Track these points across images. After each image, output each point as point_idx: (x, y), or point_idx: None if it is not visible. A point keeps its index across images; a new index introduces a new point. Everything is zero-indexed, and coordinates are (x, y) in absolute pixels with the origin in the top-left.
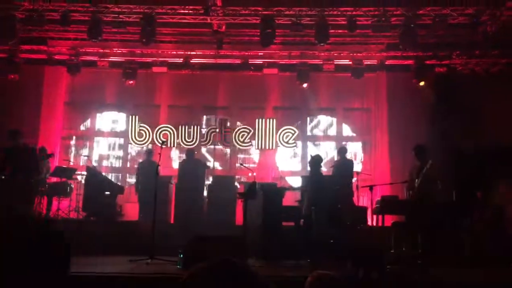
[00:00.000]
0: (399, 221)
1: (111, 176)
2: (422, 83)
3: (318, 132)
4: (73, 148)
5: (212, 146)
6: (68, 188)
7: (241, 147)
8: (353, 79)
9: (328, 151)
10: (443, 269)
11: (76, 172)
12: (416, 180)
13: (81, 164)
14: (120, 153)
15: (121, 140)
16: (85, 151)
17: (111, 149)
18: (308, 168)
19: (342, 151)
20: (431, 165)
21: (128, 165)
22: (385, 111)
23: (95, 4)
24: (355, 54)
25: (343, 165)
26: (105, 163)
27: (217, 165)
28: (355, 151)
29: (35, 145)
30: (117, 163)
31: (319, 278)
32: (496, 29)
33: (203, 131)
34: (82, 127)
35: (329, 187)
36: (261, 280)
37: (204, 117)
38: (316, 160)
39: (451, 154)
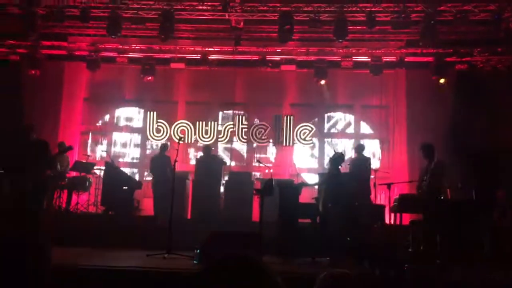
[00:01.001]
0: (417, 219)
1: (129, 171)
2: (442, 81)
3: (335, 130)
4: (92, 143)
5: (229, 145)
6: (87, 182)
7: (258, 144)
8: (372, 76)
9: (346, 150)
10: (462, 268)
11: (95, 167)
12: (424, 178)
13: (99, 159)
14: (138, 148)
15: (139, 136)
16: (103, 146)
17: (129, 144)
18: (326, 166)
19: (359, 148)
20: (436, 163)
21: (146, 161)
22: (403, 108)
23: (114, 1)
24: (374, 51)
25: (361, 162)
26: (123, 158)
27: (234, 163)
28: (373, 148)
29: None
30: (135, 159)
31: (332, 276)
32: None
33: (220, 127)
34: (101, 123)
35: (346, 184)
36: (272, 276)
37: (221, 113)
38: (338, 158)
39: (472, 152)
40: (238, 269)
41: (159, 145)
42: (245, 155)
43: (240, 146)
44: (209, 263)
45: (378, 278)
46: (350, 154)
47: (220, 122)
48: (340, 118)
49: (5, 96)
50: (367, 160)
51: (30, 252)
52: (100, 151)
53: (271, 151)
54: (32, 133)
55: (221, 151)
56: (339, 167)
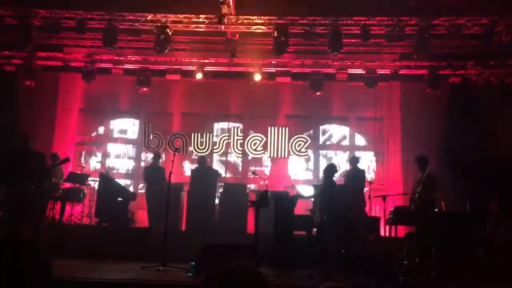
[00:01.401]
0: (412, 232)
1: (124, 183)
2: None
3: (330, 142)
4: (86, 154)
5: (224, 158)
6: (81, 193)
7: (253, 155)
8: (366, 88)
9: (340, 163)
10: (457, 280)
11: (89, 178)
12: (417, 191)
13: (94, 170)
14: (133, 160)
15: (135, 147)
16: (98, 157)
17: (124, 155)
18: (321, 177)
19: (353, 160)
20: (427, 174)
21: (141, 172)
22: (398, 120)
23: (111, 12)
24: (368, 64)
25: (355, 174)
26: (118, 169)
27: (229, 175)
28: (367, 161)
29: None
30: (130, 170)
31: None
32: (511, 39)
33: (216, 138)
34: (96, 134)
35: (341, 196)
36: (269, 286)
37: (216, 125)
38: (331, 170)
39: (465, 164)
40: (237, 280)
41: (152, 154)
42: (240, 167)
43: (235, 159)
44: (209, 274)
45: None
46: (345, 166)
47: (215, 133)
48: (335, 130)
49: (0, 107)
50: (362, 172)
51: (30, 260)
52: (95, 162)
53: (266, 163)
54: (30, 144)
55: (216, 163)
56: (333, 177)
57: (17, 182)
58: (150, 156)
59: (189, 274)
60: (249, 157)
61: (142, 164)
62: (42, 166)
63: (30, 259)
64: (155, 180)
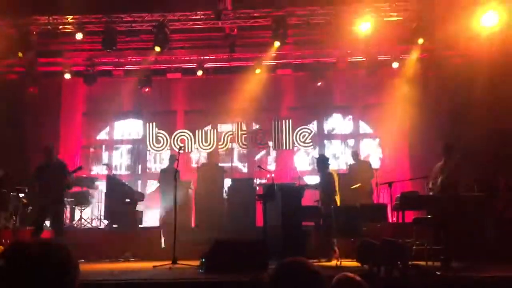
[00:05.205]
0: (420, 216)
1: (130, 183)
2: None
3: (335, 131)
4: (92, 157)
5: (229, 165)
6: (89, 197)
7: (258, 148)
8: (368, 75)
9: (345, 152)
10: (467, 264)
11: (97, 181)
12: (441, 177)
13: (100, 172)
14: (139, 160)
15: (140, 147)
16: (104, 160)
17: (130, 156)
18: (316, 168)
19: (354, 154)
20: (456, 164)
21: (147, 172)
22: (402, 105)
23: (108, 15)
24: (369, 50)
25: (359, 167)
26: (124, 170)
27: (235, 168)
28: (373, 148)
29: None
30: (136, 170)
31: (342, 281)
32: None
33: (220, 134)
34: (100, 136)
35: (346, 185)
36: (324, 277)
37: (219, 120)
38: (322, 160)
39: (472, 146)
40: (293, 274)
41: (168, 156)
42: (246, 170)
43: (240, 165)
44: (269, 271)
45: (383, 277)
46: (350, 155)
47: (219, 129)
48: (339, 119)
49: (6, 115)
50: (367, 163)
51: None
52: (101, 164)
53: (272, 155)
54: (53, 153)
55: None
56: (328, 167)
57: (42, 191)
58: (157, 155)
59: (200, 270)
60: (256, 157)
61: (148, 163)
62: (65, 175)
63: (64, 263)
64: (169, 181)
